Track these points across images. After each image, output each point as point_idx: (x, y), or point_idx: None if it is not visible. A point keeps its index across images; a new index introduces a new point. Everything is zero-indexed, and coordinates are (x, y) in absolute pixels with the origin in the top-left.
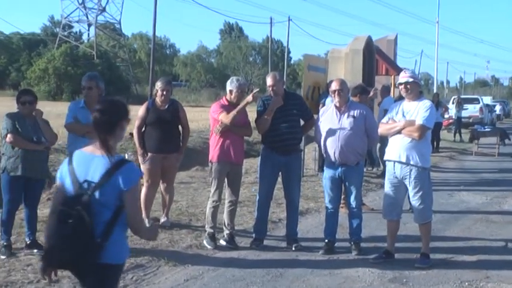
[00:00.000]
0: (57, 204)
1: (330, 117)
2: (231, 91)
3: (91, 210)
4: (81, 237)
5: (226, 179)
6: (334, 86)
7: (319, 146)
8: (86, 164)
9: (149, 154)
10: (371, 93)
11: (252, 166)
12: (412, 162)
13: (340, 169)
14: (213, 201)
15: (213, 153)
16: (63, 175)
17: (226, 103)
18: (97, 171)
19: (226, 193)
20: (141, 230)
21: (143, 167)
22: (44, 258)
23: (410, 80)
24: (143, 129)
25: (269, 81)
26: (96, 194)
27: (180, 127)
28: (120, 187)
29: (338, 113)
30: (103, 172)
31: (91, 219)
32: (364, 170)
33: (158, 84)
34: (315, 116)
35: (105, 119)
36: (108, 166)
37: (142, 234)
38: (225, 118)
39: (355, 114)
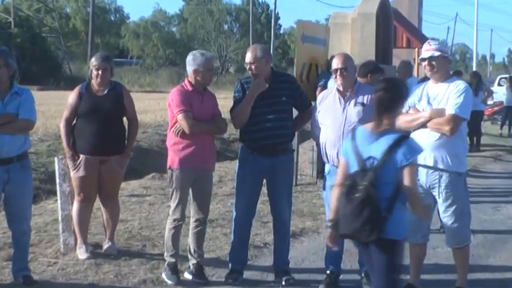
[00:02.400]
0: (344, 179)
1: (332, 106)
2: (195, 71)
3: (376, 185)
4: (368, 211)
5: (191, 191)
6: (336, 63)
7: (318, 144)
8: (368, 141)
9: (81, 156)
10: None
11: (227, 172)
12: (442, 166)
13: None
14: (174, 220)
15: (173, 157)
16: (347, 151)
17: (190, 88)
18: (379, 147)
19: (192, 209)
20: (416, 205)
21: (73, 175)
22: (333, 227)
23: (436, 53)
24: (74, 122)
25: (248, 57)
26: (379, 170)
27: (124, 119)
28: (400, 162)
29: (342, 100)
30: (385, 148)
31: (377, 194)
32: None
33: (93, 62)
34: (313, 104)
35: (388, 97)
36: (389, 142)
37: (416, 208)
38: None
39: (365, 101)
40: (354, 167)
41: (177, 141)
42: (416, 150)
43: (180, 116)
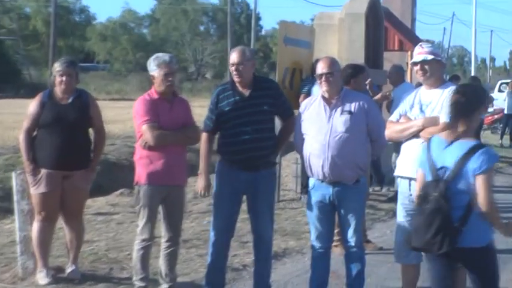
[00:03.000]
0: (419, 189)
1: (316, 114)
2: (153, 76)
3: (447, 196)
4: (439, 222)
5: (161, 208)
6: (321, 67)
7: (301, 156)
8: (442, 150)
9: (42, 171)
10: (367, 84)
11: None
12: None
13: (332, 190)
14: (142, 241)
15: (140, 172)
16: (422, 161)
17: (156, 97)
18: (453, 156)
19: (163, 229)
20: (493, 217)
21: (33, 192)
22: (407, 239)
23: (429, 57)
24: (34, 133)
25: (234, 57)
26: (451, 180)
27: (90, 130)
28: (474, 172)
29: (327, 108)
30: (458, 157)
31: (448, 204)
32: (369, 191)
33: (56, 67)
34: (296, 112)
35: (464, 101)
36: (463, 151)
37: (494, 222)
38: (162, 138)
39: (353, 109)
40: (428, 178)
41: (144, 154)
42: (491, 158)
43: (144, 127)
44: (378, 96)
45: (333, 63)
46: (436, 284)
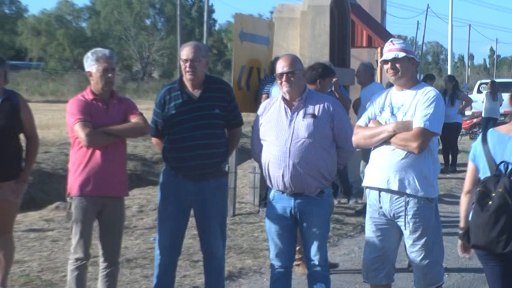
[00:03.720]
0: (473, 185)
1: (276, 117)
2: (90, 73)
3: (511, 192)
4: (504, 220)
5: (98, 223)
6: (281, 66)
7: (260, 165)
8: (502, 145)
9: None
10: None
11: (150, 200)
12: (408, 191)
13: (293, 203)
14: (76, 260)
15: (73, 181)
16: (476, 155)
17: (91, 97)
18: None
19: (100, 247)
20: None
21: None
22: (463, 237)
23: (401, 54)
24: None
25: (186, 52)
26: None
27: (21, 136)
28: None
29: (288, 111)
30: None
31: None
32: (335, 203)
33: None
34: (255, 116)
35: None
36: None
37: None
38: (97, 136)
39: (316, 112)
40: (486, 173)
41: (77, 160)
42: None
43: (76, 126)
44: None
45: (294, 61)
46: (497, 284)
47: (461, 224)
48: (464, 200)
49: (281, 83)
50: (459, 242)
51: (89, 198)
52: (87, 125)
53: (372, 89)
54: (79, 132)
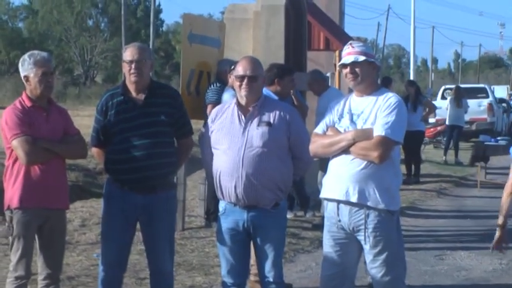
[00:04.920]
0: None
1: (229, 125)
2: (27, 77)
3: None
4: None
5: (37, 238)
6: (243, 68)
7: (209, 176)
8: None
9: None
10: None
11: (93, 214)
12: (368, 203)
13: (246, 216)
14: (16, 279)
15: (12, 194)
16: None
17: (29, 104)
18: None
19: (39, 263)
20: None
21: None
22: (501, 231)
23: (361, 58)
24: None
25: (129, 54)
26: None
27: None
28: None
29: (242, 118)
30: None
31: None
32: (290, 216)
33: None
34: (205, 124)
35: None
36: None
37: None
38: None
39: (272, 120)
40: None
41: (15, 171)
42: None
43: (15, 143)
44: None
45: (258, 65)
46: None
47: (500, 221)
48: (507, 200)
49: (240, 86)
50: (498, 234)
51: (32, 211)
52: (27, 140)
53: (328, 95)
54: (18, 150)
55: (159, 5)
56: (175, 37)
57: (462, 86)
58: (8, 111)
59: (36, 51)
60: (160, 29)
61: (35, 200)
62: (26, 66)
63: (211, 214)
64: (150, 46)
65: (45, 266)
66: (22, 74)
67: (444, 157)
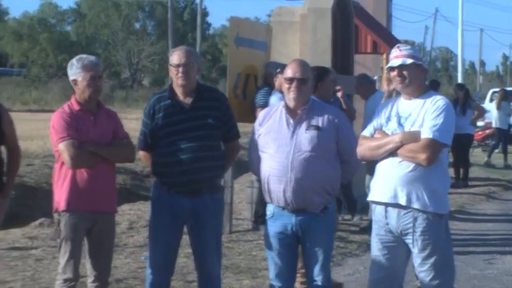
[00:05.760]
0: None
1: (277, 128)
2: (75, 81)
3: None
4: None
5: (87, 241)
6: (292, 71)
7: (258, 179)
8: None
9: None
10: (338, 92)
11: (141, 216)
12: (416, 206)
13: (295, 220)
14: (65, 281)
15: (60, 196)
16: None
17: (77, 108)
18: None
19: (88, 266)
20: None
21: None
22: None
23: (408, 61)
24: None
25: (176, 57)
26: None
27: (2, 149)
28: None
29: (291, 121)
30: None
31: None
32: (338, 219)
33: None
34: (252, 128)
35: None
36: None
37: None
38: (82, 159)
39: (321, 124)
40: None
41: (63, 174)
42: None
43: (61, 146)
44: (338, 92)
45: (307, 68)
46: None
47: None
48: None
49: (289, 89)
50: None
51: (79, 214)
52: (73, 144)
53: (376, 99)
54: (63, 153)
55: (206, 8)
56: (222, 40)
57: (509, 89)
58: (56, 115)
59: (84, 55)
60: (207, 32)
61: (82, 202)
62: (74, 70)
63: (260, 217)
64: (197, 49)
65: (94, 269)
66: (70, 78)
67: (487, 158)
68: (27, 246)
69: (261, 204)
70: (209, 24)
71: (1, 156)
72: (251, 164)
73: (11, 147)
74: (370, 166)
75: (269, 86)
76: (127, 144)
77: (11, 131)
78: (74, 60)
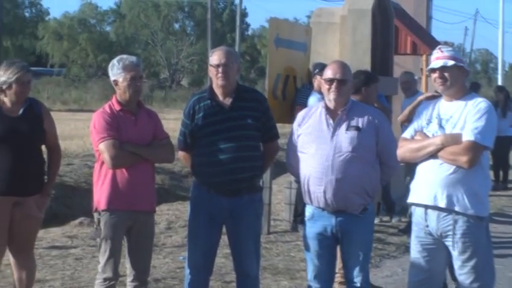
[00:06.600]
0: None
1: (317, 129)
2: (116, 82)
3: None
4: None
5: (126, 241)
6: (333, 71)
7: (297, 180)
8: None
9: None
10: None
11: (179, 216)
12: (457, 208)
13: (334, 221)
14: (105, 280)
15: (100, 196)
16: None
17: (117, 108)
18: None
19: (128, 266)
20: None
21: None
22: None
23: (450, 63)
24: None
25: (216, 57)
26: None
27: (43, 148)
28: None
29: (331, 121)
30: None
31: None
32: (376, 221)
33: (4, 72)
34: (290, 128)
35: None
36: None
37: None
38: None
39: (360, 124)
40: None
41: (103, 174)
42: None
43: (101, 146)
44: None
45: (347, 69)
46: None
47: None
48: None
49: (329, 89)
50: None
51: (119, 214)
52: (114, 144)
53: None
54: (104, 154)
55: (245, 8)
56: (261, 41)
57: None
58: (97, 115)
59: (125, 56)
60: (246, 33)
61: (122, 202)
62: (115, 71)
63: (298, 216)
64: (236, 50)
65: (133, 268)
66: (111, 78)
67: None
68: (66, 245)
69: (299, 205)
70: (248, 25)
71: (42, 155)
72: (289, 165)
73: (51, 147)
74: (409, 168)
75: (312, 85)
76: (167, 145)
77: (52, 131)
78: (115, 61)
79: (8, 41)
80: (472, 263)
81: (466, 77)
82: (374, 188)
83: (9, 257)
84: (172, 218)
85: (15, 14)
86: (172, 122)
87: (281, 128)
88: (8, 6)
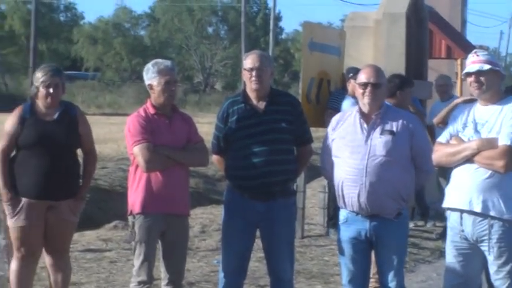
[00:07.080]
0: None
1: (352, 133)
2: (150, 86)
3: None
4: None
5: (161, 244)
6: (366, 76)
7: (330, 184)
8: None
9: (23, 200)
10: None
11: (213, 220)
12: (493, 213)
13: (368, 225)
14: (139, 283)
15: (134, 199)
16: None
17: (152, 112)
18: None
19: (162, 269)
20: None
21: (11, 224)
22: None
23: (486, 67)
24: (12, 154)
25: (250, 61)
26: None
27: (79, 152)
28: None
29: (365, 126)
30: None
31: None
32: (411, 226)
33: (39, 76)
34: (325, 132)
35: None
36: None
37: None
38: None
39: (395, 128)
40: None
41: (138, 177)
42: None
43: (136, 150)
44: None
45: (381, 73)
46: None
47: None
48: None
49: (363, 94)
50: None
51: (154, 217)
52: (148, 148)
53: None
54: (138, 157)
55: (279, 12)
56: (295, 45)
57: None
58: (132, 119)
59: (160, 60)
60: (280, 37)
61: (156, 205)
62: (150, 75)
63: (330, 221)
64: (270, 54)
65: (167, 272)
66: (146, 83)
67: None
68: (101, 249)
69: (330, 209)
70: (282, 29)
71: (77, 159)
72: (323, 169)
73: (87, 151)
74: (443, 171)
75: (345, 89)
76: (201, 149)
77: (88, 135)
78: (149, 65)
79: (43, 45)
80: (508, 267)
81: (501, 81)
82: (408, 193)
83: (44, 260)
84: (206, 221)
85: (50, 18)
86: (206, 126)
87: (315, 132)
88: (43, 10)
